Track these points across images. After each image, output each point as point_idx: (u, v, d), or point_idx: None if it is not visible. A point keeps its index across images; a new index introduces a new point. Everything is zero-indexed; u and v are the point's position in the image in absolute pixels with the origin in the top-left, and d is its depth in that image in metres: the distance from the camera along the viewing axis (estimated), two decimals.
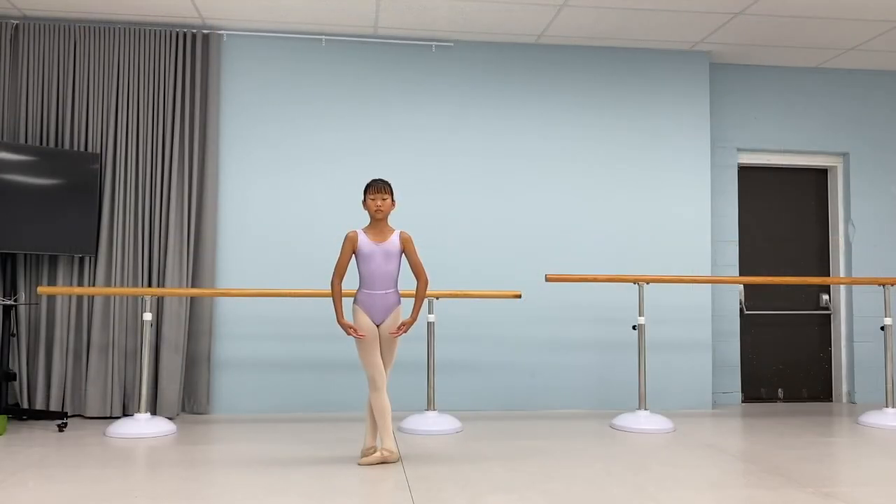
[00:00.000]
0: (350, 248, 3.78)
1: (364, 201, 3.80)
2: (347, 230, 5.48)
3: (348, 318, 3.78)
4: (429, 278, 3.93)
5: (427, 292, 4.84)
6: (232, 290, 4.92)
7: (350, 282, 3.93)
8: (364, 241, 3.77)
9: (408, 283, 4.13)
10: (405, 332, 3.77)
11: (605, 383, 5.69)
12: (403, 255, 3.82)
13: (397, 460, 3.77)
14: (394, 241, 3.79)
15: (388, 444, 3.74)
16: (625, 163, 5.82)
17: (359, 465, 3.72)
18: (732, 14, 5.22)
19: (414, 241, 3.86)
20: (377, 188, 3.77)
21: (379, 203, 3.76)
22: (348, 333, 3.72)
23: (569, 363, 5.67)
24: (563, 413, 5.51)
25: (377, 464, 3.71)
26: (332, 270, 3.82)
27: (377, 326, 3.76)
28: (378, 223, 3.80)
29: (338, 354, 5.44)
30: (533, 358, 5.64)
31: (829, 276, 6.38)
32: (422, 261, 3.89)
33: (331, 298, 3.83)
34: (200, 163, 5.36)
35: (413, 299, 3.90)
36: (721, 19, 5.31)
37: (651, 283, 5.55)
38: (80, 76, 5.23)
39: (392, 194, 3.80)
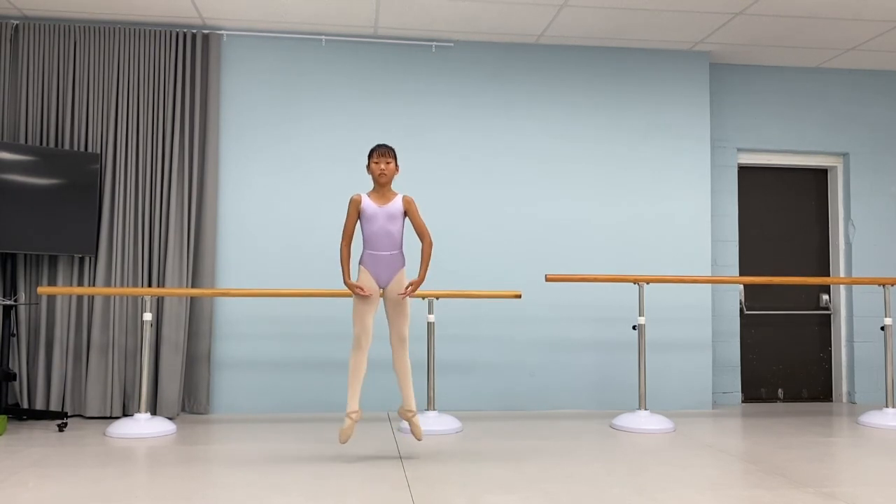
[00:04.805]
0: (355, 210, 3.86)
1: (368, 165, 3.87)
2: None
3: (354, 281, 3.86)
4: (432, 240, 3.96)
5: (427, 292, 4.90)
6: (232, 290, 4.92)
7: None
8: (367, 203, 3.84)
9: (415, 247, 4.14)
10: (413, 291, 3.84)
11: (605, 383, 5.69)
12: (407, 217, 3.89)
13: (356, 420, 3.82)
14: (396, 203, 3.86)
15: (352, 405, 3.80)
16: (625, 162, 5.82)
17: (340, 443, 3.85)
18: (732, 14, 5.22)
19: (416, 203, 3.93)
20: (381, 152, 3.84)
21: (383, 167, 3.82)
22: (354, 292, 3.79)
23: (569, 363, 5.67)
24: (563, 413, 5.51)
25: (351, 432, 3.79)
26: (340, 236, 3.88)
27: (383, 289, 3.84)
28: (381, 187, 3.87)
29: (338, 354, 5.44)
30: (533, 358, 5.64)
31: (829, 276, 6.38)
32: (425, 223, 3.94)
33: (339, 260, 3.94)
34: (200, 163, 5.36)
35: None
36: (721, 19, 5.31)
37: (651, 283, 5.56)
38: (80, 76, 5.23)
39: (396, 159, 3.87)
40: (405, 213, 3.88)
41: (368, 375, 5.29)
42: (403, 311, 3.86)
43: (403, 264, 3.88)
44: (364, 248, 3.86)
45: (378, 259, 3.82)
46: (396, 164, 3.87)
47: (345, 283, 3.82)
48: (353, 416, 3.81)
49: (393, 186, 3.94)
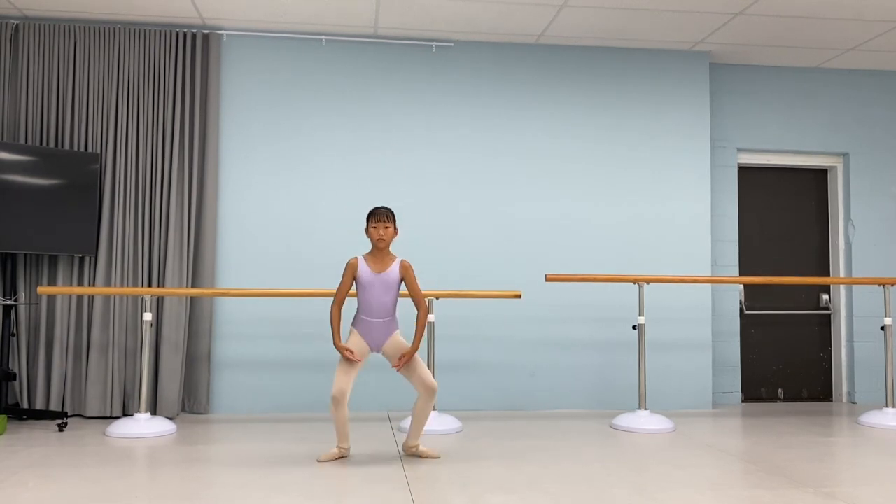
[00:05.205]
0: (351, 275, 3.82)
1: (366, 229, 3.82)
2: (346, 242, 5.49)
3: (345, 340, 3.86)
4: (426, 302, 3.98)
5: (427, 292, 4.89)
6: (232, 290, 4.92)
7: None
8: (364, 269, 3.80)
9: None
10: (407, 362, 3.79)
11: (605, 383, 5.69)
12: (403, 282, 3.86)
13: (342, 455, 3.89)
14: (393, 270, 3.83)
15: (344, 442, 3.87)
16: (625, 162, 5.82)
17: (317, 461, 3.81)
18: (732, 14, 5.22)
19: (414, 269, 3.90)
20: (379, 217, 3.80)
21: (381, 232, 3.79)
22: (344, 356, 3.77)
23: (569, 363, 5.67)
24: (563, 413, 5.51)
25: (335, 459, 3.86)
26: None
27: (378, 351, 3.86)
28: (380, 251, 3.83)
29: (337, 354, 5.42)
30: (533, 358, 5.64)
31: (829, 276, 6.38)
32: (421, 288, 3.93)
33: (329, 313, 3.87)
34: (200, 163, 5.36)
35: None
36: (721, 19, 5.31)
37: (651, 283, 5.56)
38: (80, 76, 5.23)
39: (394, 222, 3.84)
40: (401, 280, 3.85)
41: (368, 376, 5.30)
42: (415, 367, 3.82)
43: (397, 328, 3.86)
44: (357, 311, 3.84)
45: (371, 325, 3.81)
46: (395, 228, 3.83)
47: (334, 345, 3.79)
48: (343, 451, 3.86)
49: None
